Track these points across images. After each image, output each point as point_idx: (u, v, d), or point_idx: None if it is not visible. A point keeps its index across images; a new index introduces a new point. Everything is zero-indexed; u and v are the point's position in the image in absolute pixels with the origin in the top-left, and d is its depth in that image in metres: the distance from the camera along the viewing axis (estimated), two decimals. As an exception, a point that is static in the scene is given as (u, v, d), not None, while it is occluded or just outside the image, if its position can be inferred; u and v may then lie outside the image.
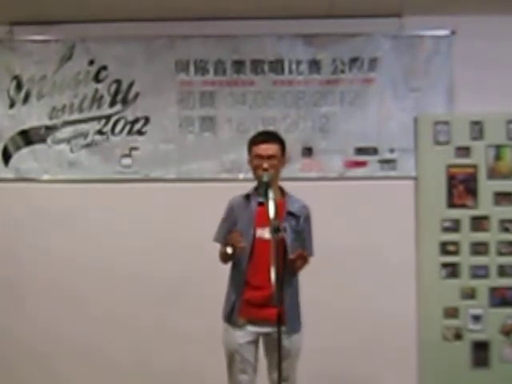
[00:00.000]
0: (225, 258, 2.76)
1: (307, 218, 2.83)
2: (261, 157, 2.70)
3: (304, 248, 2.72)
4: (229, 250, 2.66)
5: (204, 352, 3.63)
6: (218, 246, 2.82)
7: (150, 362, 3.81)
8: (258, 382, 2.81)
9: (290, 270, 2.67)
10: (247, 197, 2.81)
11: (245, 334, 2.73)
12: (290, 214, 2.76)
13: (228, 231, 2.74)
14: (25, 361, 3.84)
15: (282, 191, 2.82)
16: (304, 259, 2.63)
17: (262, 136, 2.80)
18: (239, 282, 2.74)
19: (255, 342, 2.77)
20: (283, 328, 2.59)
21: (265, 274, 2.47)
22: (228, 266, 2.81)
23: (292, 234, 2.73)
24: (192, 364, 3.74)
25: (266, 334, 2.70)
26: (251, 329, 2.73)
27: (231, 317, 2.75)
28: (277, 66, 3.80)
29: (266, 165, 2.67)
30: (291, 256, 2.61)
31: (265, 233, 2.65)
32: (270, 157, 2.69)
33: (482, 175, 3.73)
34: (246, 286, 2.72)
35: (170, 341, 3.78)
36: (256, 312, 2.69)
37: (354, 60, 3.79)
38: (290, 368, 2.76)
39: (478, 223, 3.73)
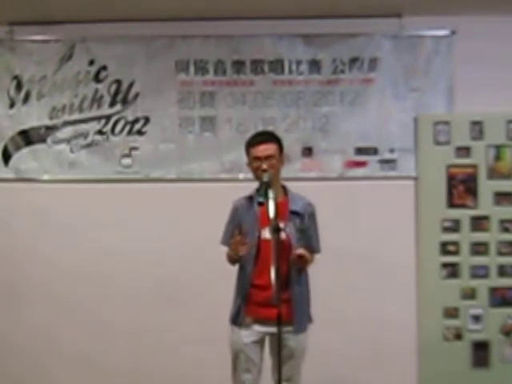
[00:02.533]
0: (232, 260, 2.78)
1: (312, 215, 2.82)
2: (259, 158, 2.70)
3: (310, 246, 2.73)
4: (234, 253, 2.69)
5: (204, 357, 3.64)
6: (218, 246, 2.83)
7: (149, 367, 3.80)
8: (261, 381, 2.81)
9: (296, 268, 2.68)
10: (250, 198, 2.80)
11: (250, 334, 2.74)
12: (294, 212, 2.75)
13: (234, 233, 2.73)
14: (23, 367, 3.83)
15: (284, 190, 2.82)
16: (303, 260, 2.63)
17: (258, 137, 2.79)
18: (245, 283, 2.75)
19: (261, 342, 2.77)
20: (290, 327, 2.62)
21: (270, 274, 2.47)
22: (230, 267, 2.81)
23: (296, 233, 2.73)
24: (192, 368, 3.73)
25: (272, 334, 2.68)
26: (258, 328, 2.74)
27: (237, 318, 2.76)
28: (277, 65, 3.80)
29: (265, 166, 2.67)
30: (292, 256, 2.61)
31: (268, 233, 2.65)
32: (268, 157, 2.69)
33: (482, 175, 3.73)
34: (253, 287, 2.72)
35: (169, 345, 3.77)
36: (262, 312, 2.69)
37: (354, 60, 3.78)
38: (295, 368, 2.77)
39: (478, 223, 3.73)
